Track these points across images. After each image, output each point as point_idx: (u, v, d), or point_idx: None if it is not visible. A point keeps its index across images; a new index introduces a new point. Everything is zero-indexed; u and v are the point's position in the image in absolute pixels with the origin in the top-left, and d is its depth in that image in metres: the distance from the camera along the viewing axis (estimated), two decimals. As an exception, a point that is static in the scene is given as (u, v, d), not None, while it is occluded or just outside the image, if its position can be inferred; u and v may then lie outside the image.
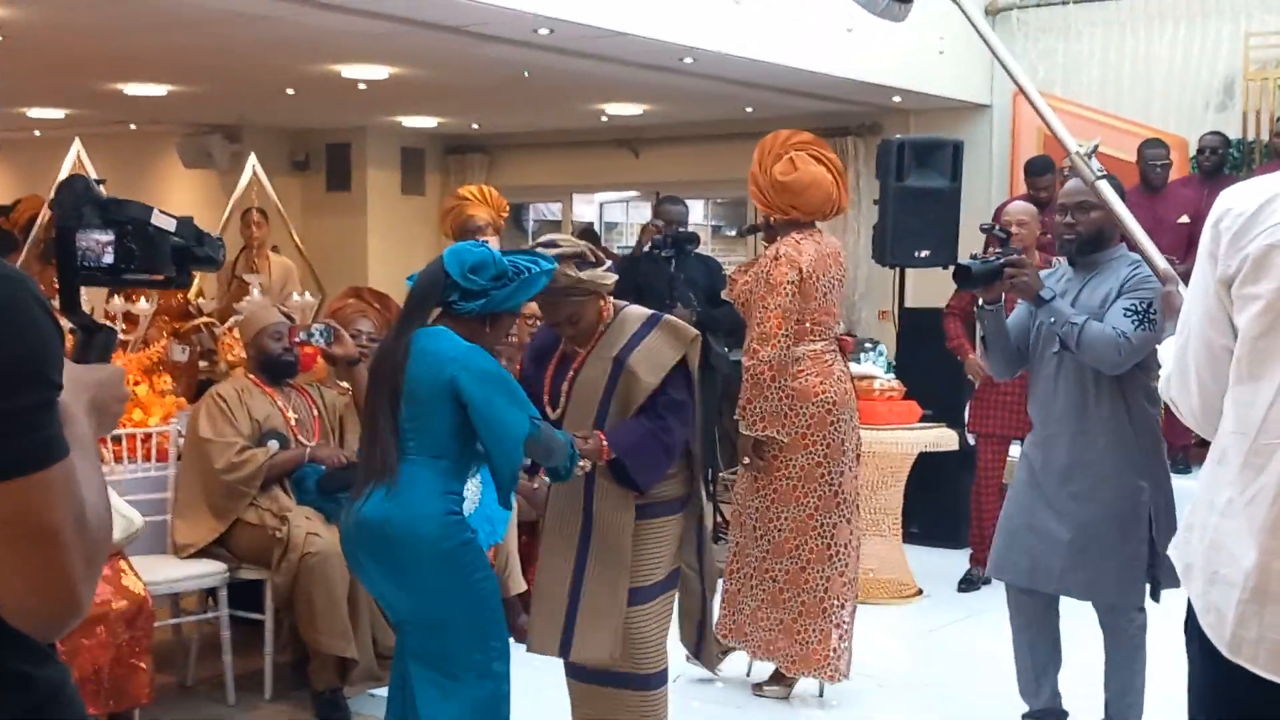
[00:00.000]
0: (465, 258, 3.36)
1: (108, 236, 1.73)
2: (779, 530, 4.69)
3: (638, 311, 3.79)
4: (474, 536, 3.44)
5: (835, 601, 4.68)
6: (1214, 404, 2.16)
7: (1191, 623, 2.18)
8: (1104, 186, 3.41)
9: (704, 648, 4.01)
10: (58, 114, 11.06)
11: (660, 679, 3.73)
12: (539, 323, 5.54)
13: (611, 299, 3.77)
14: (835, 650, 4.67)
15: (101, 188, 1.78)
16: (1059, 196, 4.11)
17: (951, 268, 7.24)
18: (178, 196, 12.19)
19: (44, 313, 1.37)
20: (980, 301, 4.15)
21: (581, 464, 3.51)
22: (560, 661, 3.80)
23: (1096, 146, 3.46)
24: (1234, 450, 2.10)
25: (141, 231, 1.73)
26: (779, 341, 4.58)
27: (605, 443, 3.56)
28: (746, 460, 4.67)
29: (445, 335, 3.35)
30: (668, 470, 3.71)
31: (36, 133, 12.20)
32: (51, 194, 6.52)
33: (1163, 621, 4.08)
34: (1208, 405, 2.18)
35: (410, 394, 3.31)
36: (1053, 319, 4.01)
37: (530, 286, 3.42)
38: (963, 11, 3.81)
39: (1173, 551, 2.29)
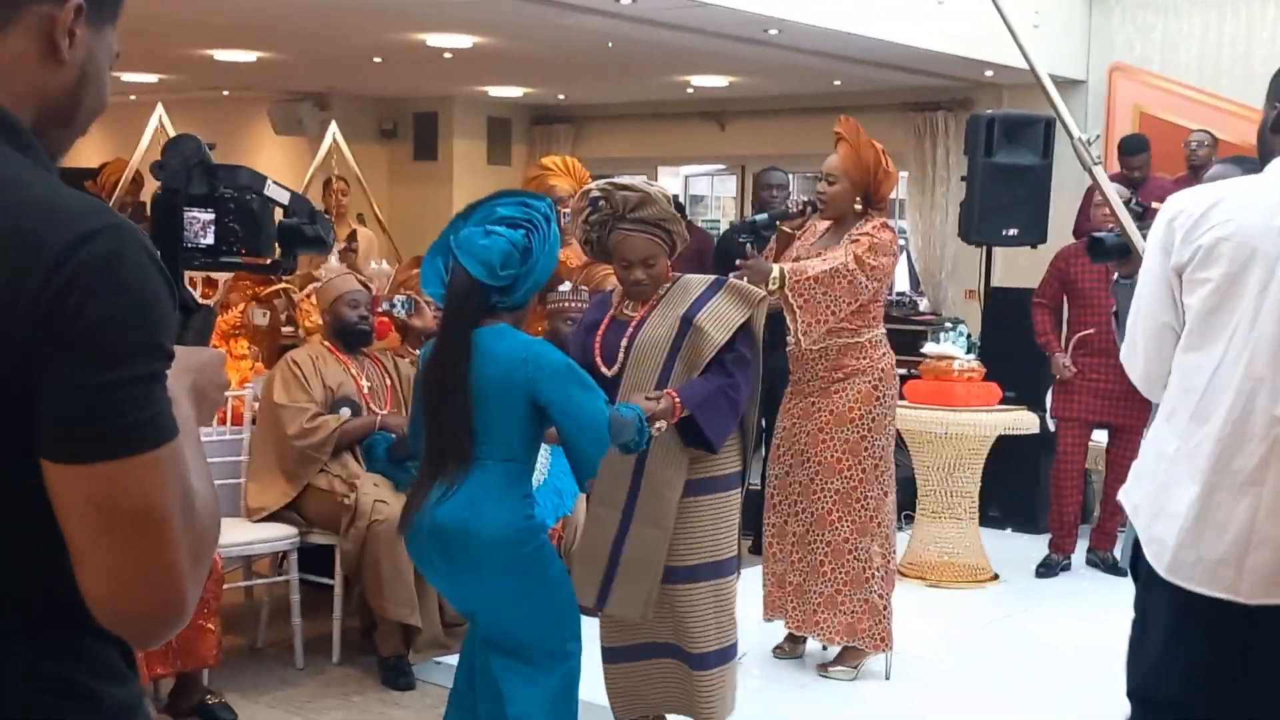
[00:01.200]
0: (488, 257, 3.23)
1: (208, 215, 1.59)
2: (822, 503, 4.70)
3: (700, 277, 3.84)
4: (547, 539, 3.41)
5: (877, 572, 4.71)
6: (1156, 372, 2.63)
7: (1139, 558, 2.57)
8: (1099, 172, 3.61)
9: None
10: (151, 79, 11.20)
11: (718, 658, 3.70)
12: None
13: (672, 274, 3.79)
14: (880, 620, 4.72)
15: (211, 153, 1.66)
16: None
17: (1040, 247, 7.20)
18: (268, 162, 12.32)
19: (156, 269, 1.23)
20: (1115, 275, 4.13)
21: (658, 426, 3.47)
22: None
23: (1098, 136, 3.56)
24: (1182, 406, 2.51)
25: (246, 210, 1.59)
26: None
27: (677, 400, 3.54)
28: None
29: (508, 334, 3.28)
30: (735, 425, 3.70)
31: (132, 97, 12.37)
32: (139, 157, 6.57)
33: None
34: (1151, 373, 2.65)
35: (480, 396, 3.24)
36: None
37: (550, 234, 3.31)
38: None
39: (1122, 496, 2.67)
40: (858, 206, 4.77)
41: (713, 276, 3.82)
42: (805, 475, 4.72)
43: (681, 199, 13.03)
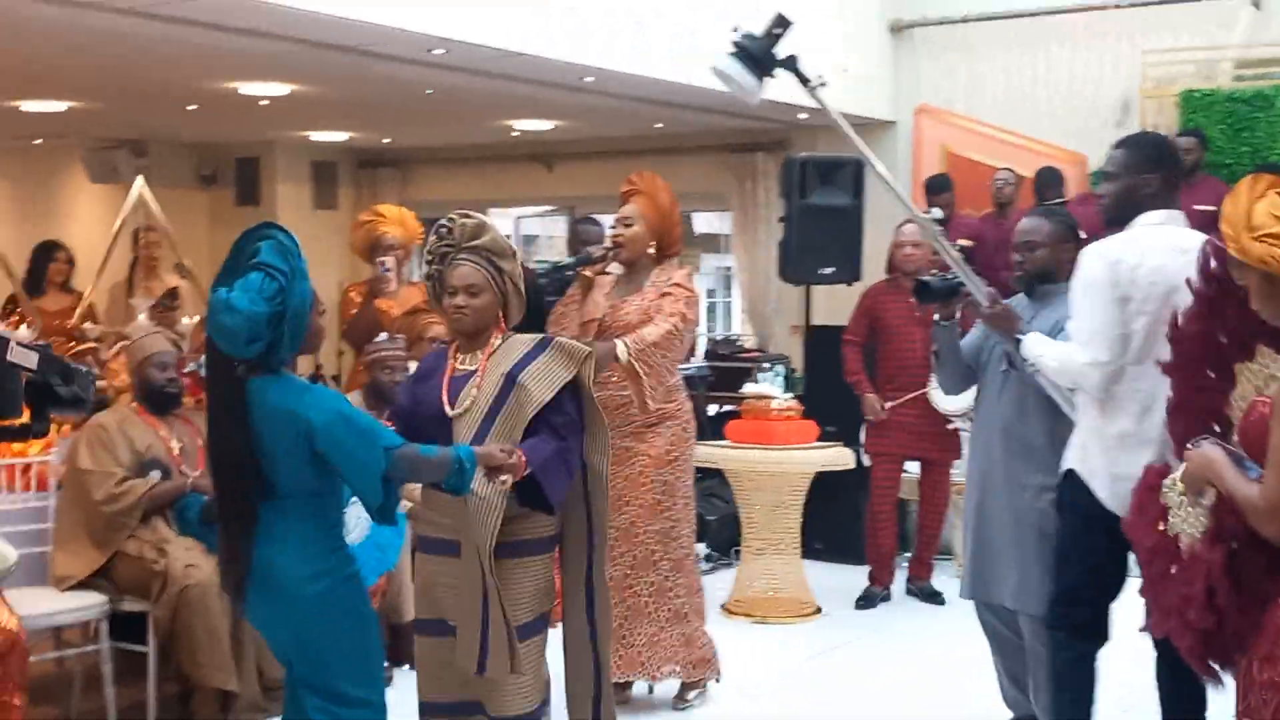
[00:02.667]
0: (233, 338, 3.18)
1: None
2: (644, 545, 4.81)
3: (527, 336, 3.79)
4: (358, 569, 3.44)
5: (693, 606, 4.91)
6: (1108, 372, 3.76)
7: (1075, 503, 3.87)
8: (943, 242, 4.34)
9: (604, 714, 3.90)
10: (-44, 129, 10.85)
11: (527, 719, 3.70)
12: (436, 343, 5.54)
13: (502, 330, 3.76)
14: (705, 647, 4.92)
15: None
16: (1015, 236, 4.29)
17: (855, 284, 7.39)
18: (85, 211, 12.03)
19: None
20: (937, 316, 4.31)
21: (502, 479, 3.45)
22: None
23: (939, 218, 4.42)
24: (1129, 401, 3.72)
25: None
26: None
27: (523, 459, 3.50)
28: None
29: (280, 387, 3.27)
30: (568, 488, 3.69)
31: (-60, 146, 11.98)
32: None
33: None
34: (1105, 374, 3.76)
35: (264, 446, 3.25)
36: (1003, 340, 4.21)
37: (302, 286, 3.24)
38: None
39: (1074, 463, 3.87)
40: (650, 251, 4.87)
41: (539, 335, 3.79)
42: (624, 520, 4.78)
43: (514, 241, 13.06)
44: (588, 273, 4.89)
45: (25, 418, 1.40)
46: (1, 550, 4.34)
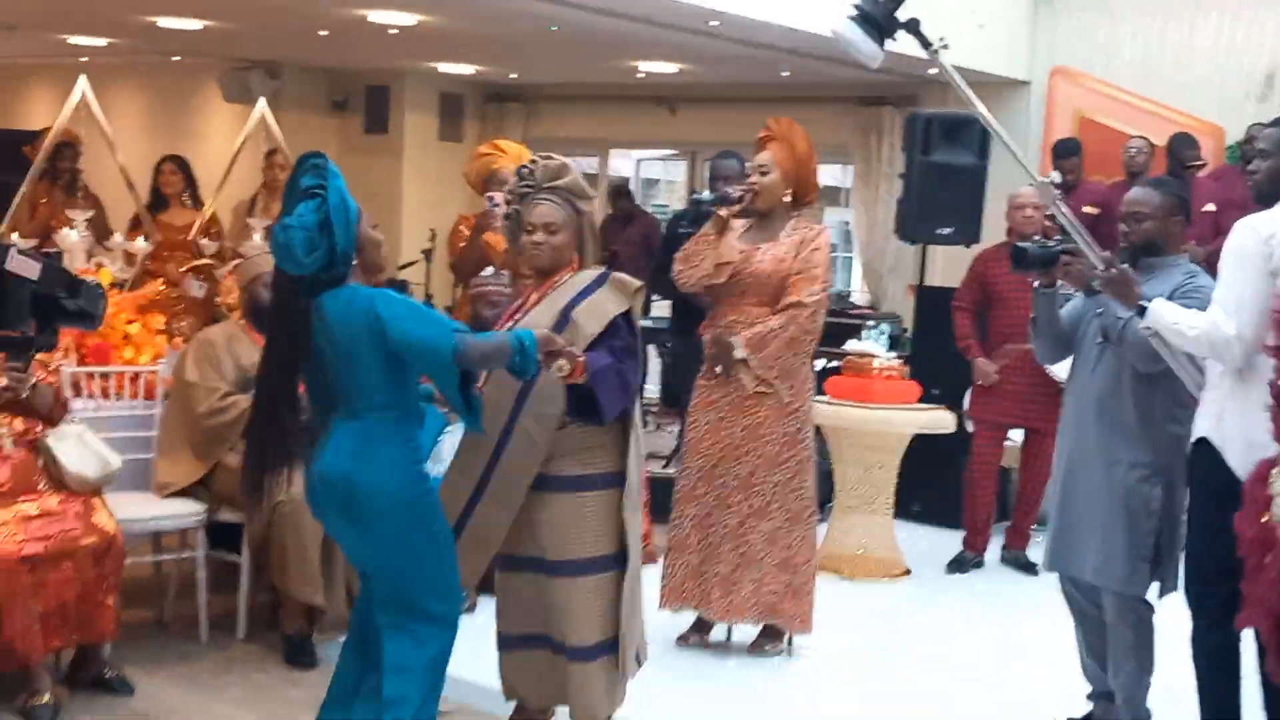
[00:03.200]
0: (290, 251, 3.32)
1: None
2: (761, 495, 4.80)
3: (589, 271, 3.83)
4: (432, 488, 3.54)
5: (806, 558, 4.91)
6: (1252, 346, 3.64)
7: (1206, 478, 3.75)
8: (1059, 205, 4.13)
9: (623, 659, 3.85)
10: (100, 42, 11.11)
11: (598, 651, 3.74)
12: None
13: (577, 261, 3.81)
14: (804, 602, 4.91)
15: None
16: (1121, 206, 4.18)
17: (974, 246, 7.27)
18: (216, 130, 12.26)
19: None
20: (1036, 284, 4.23)
21: (559, 365, 3.43)
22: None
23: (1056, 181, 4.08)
24: (1268, 370, 3.41)
25: None
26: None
27: (581, 360, 3.49)
28: (719, 369, 4.80)
29: (344, 297, 3.38)
30: (623, 407, 3.69)
31: (84, 59, 12.27)
32: (58, 130, 6.49)
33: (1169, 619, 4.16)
34: (1248, 346, 3.66)
35: (342, 356, 3.37)
36: (1101, 310, 4.12)
37: (337, 187, 3.37)
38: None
39: (1207, 430, 3.78)
40: (786, 199, 4.84)
41: (599, 270, 3.82)
42: (744, 469, 4.81)
43: (633, 184, 13.05)
44: (723, 213, 4.86)
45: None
46: (106, 456, 4.48)
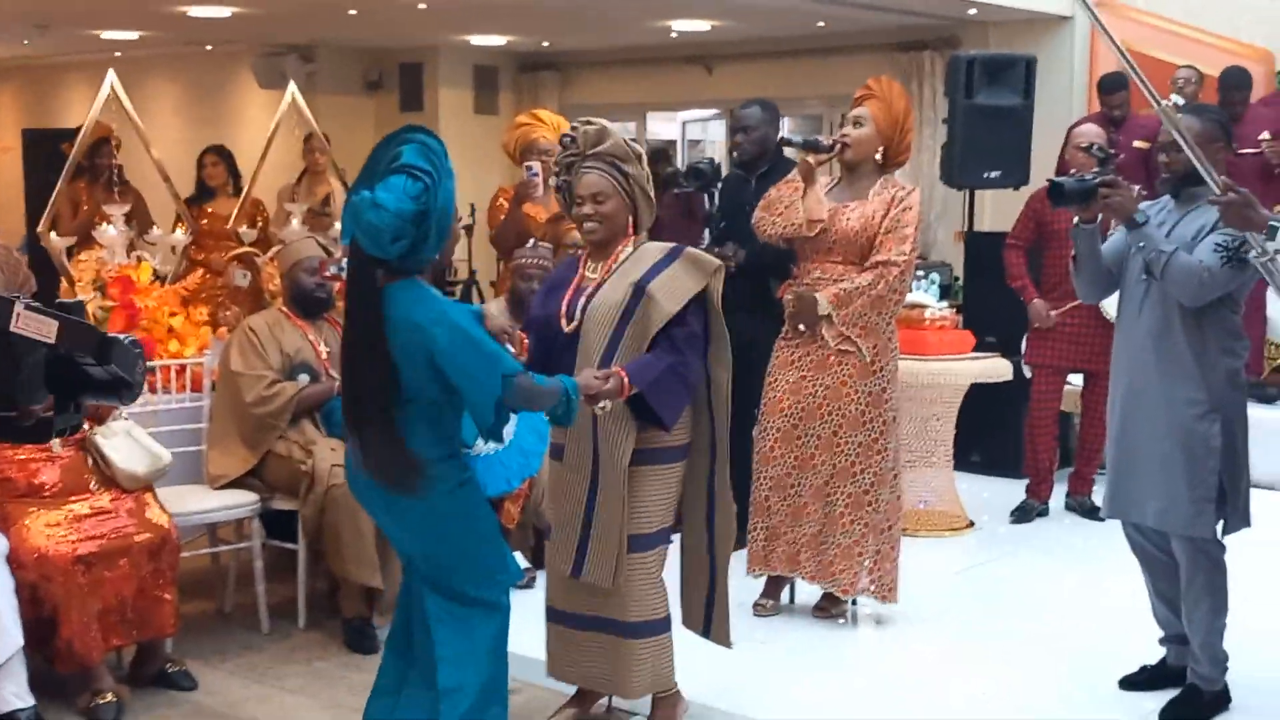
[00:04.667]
0: (378, 235, 3.15)
1: None
2: (845, 455, 4.69)
3: (659, 244, 3.82)
4: (472, 475, 3.46)
5: (893, 522, 4.80)
6: None
7: None
8: (1183, 132, 3.71)
9: (714, 625, 3.95)
10: (131, 35, 11.13)
11: (650, 629, 3.70)
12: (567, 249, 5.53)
13: (633, 236, 3.80)
14: (891, 569, 4.80)
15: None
16: (1159, 135, 4.01)
17: (1022, 189, 7.12)
18: (253, 117, 12.25)
19: None
20: (1075, 220, 4.10)
21: (602, 405, 3.50)
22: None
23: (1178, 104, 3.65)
24: None
25: None
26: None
27: (626, 379, 3.53)
28: (801, 326, 4.69)
29: (409, 295, 3.24)
30: (689, 401, 3.71)
31: (117, 54, 12.30)
32: (90, 124, 6.47)
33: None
34: None
35: (393, 348, 3.25)
36: (1142, 243, 3.97)
37: (447, 186, 3.22)
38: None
39: None
40: (878, 157, 4.74)
41: (671, 245, 3.79)
42: (826, 429, 4.70)
43: (679, 145, 12.92)
44: (810, 159, 4.72)
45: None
46: (156, 451, 4.47)
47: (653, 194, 3.80)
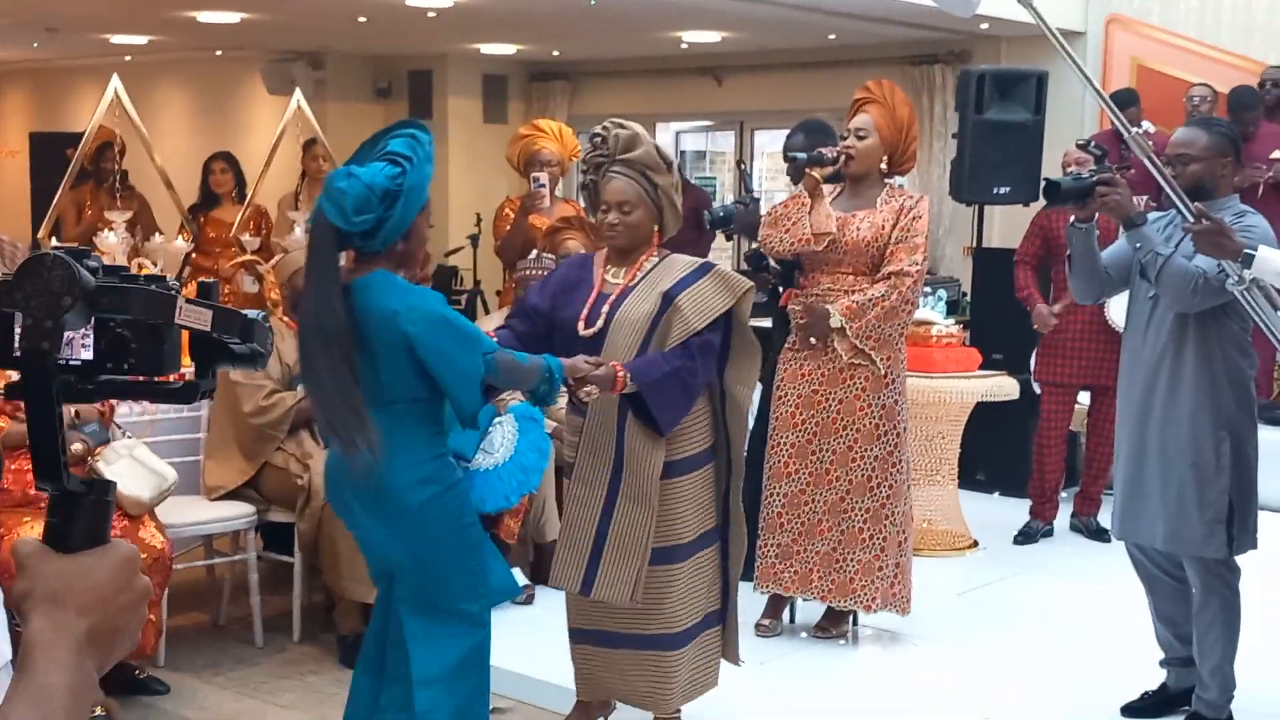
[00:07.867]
0: (344, 201, 3.10)
1: (85, 327, 1.15)
2: (862, 469, 4.62)
3: (687, 257, 3.75)
4: (462, 478, 3.39)
5: (907, 535, 4.74)
6: None
7: None
8: (1152, 156, 3.71)
9: (724, 643, 3.90)
10: (140, 40, 11.11)
11: (683, 639, 3.67)
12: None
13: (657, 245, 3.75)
14: (906, 584, 4.74)
15: (94, 263, 1.15)
16: (1167, 149, 3.96)
17: (1032, 205, 7.06)
18: (262, 123, 12.22)
19: None
20: (1071, 219, 4.05)
21: (587, 391, 3.41)
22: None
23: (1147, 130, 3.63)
24: None
25: (141, 323, 1.18)
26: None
27: (621, 373, 3.44)
28: (812, 339, 4.61)
29: (381, 284, 3.20)
30: (688, 411, 3.62)
31: (127, 58, 12.28)
32: (94, 129, 6.44)
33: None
34: None
35: (366, 348, 3.19)
36: (1140, 244, 3.92)
37: (422, 171, 3.17)
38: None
39: None
40: (883, 166, 4.68)
41: (700, 260, 3.73)
42: (841, 443, 4.62)
43: (673, 156, 12.86)
44: (815, 173, 4.66)
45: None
46: (162, 470, 4.38)
47: (680, 204, 3.75)
